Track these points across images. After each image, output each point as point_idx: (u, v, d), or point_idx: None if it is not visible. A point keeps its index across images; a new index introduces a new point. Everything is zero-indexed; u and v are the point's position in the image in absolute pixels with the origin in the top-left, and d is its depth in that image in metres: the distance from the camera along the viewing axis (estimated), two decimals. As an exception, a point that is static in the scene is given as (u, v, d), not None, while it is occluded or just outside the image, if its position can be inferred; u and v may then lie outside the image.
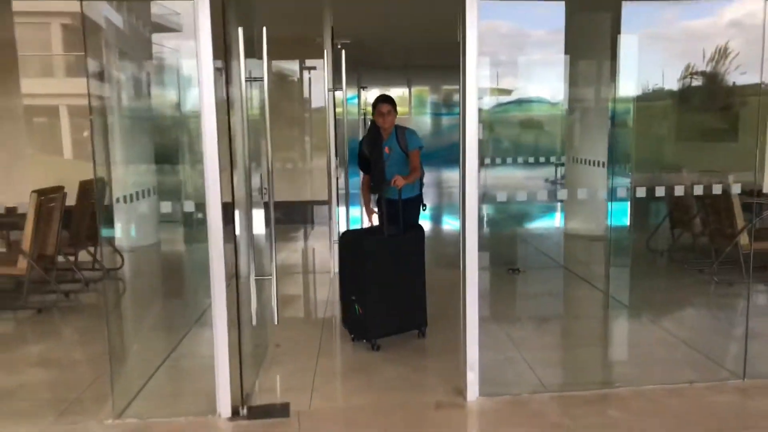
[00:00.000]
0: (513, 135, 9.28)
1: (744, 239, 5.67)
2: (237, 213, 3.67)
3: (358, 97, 11.19)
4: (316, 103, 9.85)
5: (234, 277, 3.47)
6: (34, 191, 5.24)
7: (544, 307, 5.63)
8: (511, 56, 8.21)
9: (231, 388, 3.32)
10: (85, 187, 6.02)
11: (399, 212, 4.45)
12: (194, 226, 4.18)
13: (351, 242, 4.56)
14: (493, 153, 7.77)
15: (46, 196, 5.37)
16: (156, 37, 6.91)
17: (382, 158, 4.71)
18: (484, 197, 4.77)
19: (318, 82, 9.46)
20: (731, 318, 5.10)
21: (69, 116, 14.36)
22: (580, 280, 6.41)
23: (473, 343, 3.45)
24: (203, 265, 3.28)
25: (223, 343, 3.31)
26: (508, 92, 9.14)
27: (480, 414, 3.36)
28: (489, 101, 8.40)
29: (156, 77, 6.97)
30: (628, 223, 6.58)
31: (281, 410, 3.39)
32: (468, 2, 3.25)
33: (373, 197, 4.98)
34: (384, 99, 4.75)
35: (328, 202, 6.53)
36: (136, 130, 6.11)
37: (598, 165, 7.48)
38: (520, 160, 8.36)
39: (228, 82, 3.44)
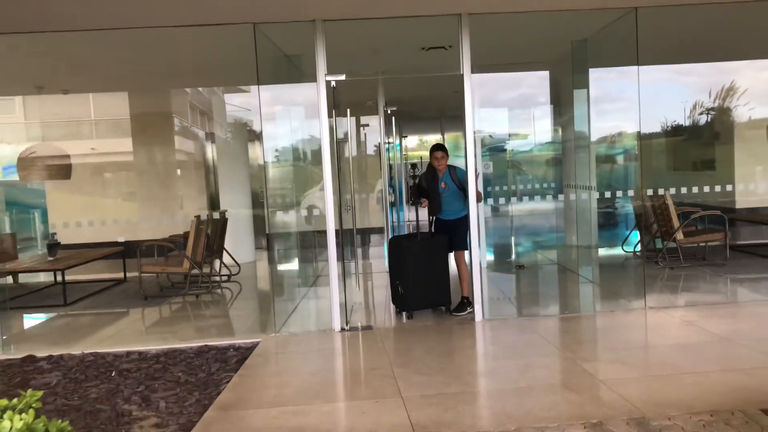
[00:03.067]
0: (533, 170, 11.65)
1: (679, 236, 8.07)
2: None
3: (400, 144, 13.90)
4: (369, 150, 12.55)
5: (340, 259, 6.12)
6: (195, 216, 7.99)
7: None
8: (521, 108, 10.75)
9: (339, 315, 5.90)
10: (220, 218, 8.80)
11: (451, 229, 6.32)
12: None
13: (396, 244, 6.43)
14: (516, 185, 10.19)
15: (199, 220, 8.11)
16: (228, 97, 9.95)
17: (439, 192, 6.31)
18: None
19: (370, 134, 12.16)
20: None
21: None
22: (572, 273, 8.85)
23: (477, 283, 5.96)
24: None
25: (335, 291, 5.91)
26: (525, 136, 11.58)
27: (483, 324, 5.87)
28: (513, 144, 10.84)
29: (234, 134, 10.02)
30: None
31: (367, 327, 5.95)
32: (466, 78, 5.83)
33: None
34: (438, 147, 6.38)
35: (383, 227, 9.18)
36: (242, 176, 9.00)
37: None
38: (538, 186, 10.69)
39: (336, 140, 6.10)
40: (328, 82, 5.81)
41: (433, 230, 6.51)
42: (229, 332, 6.50)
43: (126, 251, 9.23)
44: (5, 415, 1.91)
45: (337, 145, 6.12)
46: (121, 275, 9.30)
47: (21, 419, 1.92)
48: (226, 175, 10.55)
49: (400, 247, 6.25)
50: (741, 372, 4.25)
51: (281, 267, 9.18)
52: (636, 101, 6.32)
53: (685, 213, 8.36)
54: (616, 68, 8.47)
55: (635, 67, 6.25)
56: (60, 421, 1.98)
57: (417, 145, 18.36)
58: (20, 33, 5.64)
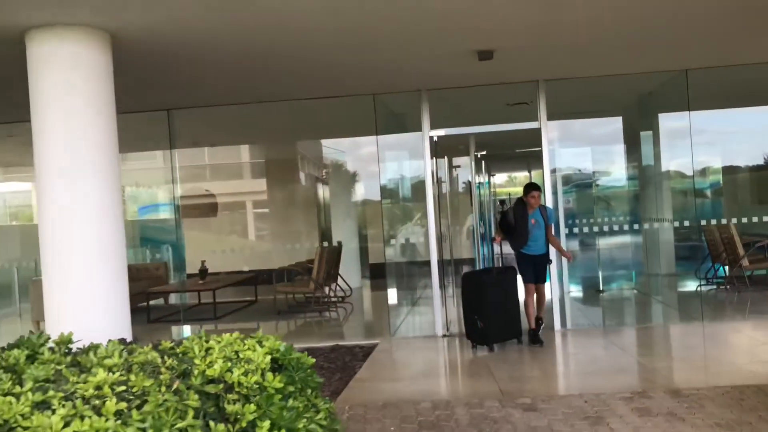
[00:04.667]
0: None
1: (745, 262, 8.97)
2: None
3: (489, 182, 15.25)
4: (460, 188, 14.01)
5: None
6: (319, 246, 9.67)
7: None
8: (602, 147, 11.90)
9: (441, 322, 7.31)
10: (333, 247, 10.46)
11: (536, 263, 6.61)
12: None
13: (473, 279, 6.69)
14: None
15: (323, 248, 9.78)
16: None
17: (527, 226, 6.60)
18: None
19: (461, 173, 13.61)
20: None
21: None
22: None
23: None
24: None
25: (438, 302, 7.34)
26: (608, 173, 12.68)
27: (561, 332, 7.11)
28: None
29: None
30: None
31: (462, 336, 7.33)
32: (543, 130, 7.19)
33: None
34: (535, 187, 6.70)
35: (474, 258, 10.53)
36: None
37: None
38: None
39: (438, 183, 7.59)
40: (431, 137, 7.35)
41: (517, 263, 6.76)
42: (353, 336, 8.02)
43: (255, 277, 11.05)
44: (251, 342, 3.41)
45: (438, 185, 7.60)
46: (253, 297, 11.10)
47: (268, 352, 3.42)
48: (337, 211, 12.29)
49: (479, 282, 6.54)
50: (753, 357, 5.32)
51: (389, 289, 10.69)
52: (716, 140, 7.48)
53: (752, 243, 9.24)
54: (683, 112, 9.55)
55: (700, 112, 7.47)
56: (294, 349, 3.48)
57: (505, 181, 19.65)
58: (197, 107, 7.53)
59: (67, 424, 2.26)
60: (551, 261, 6.81)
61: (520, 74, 6.97)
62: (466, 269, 12.60)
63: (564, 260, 7.42)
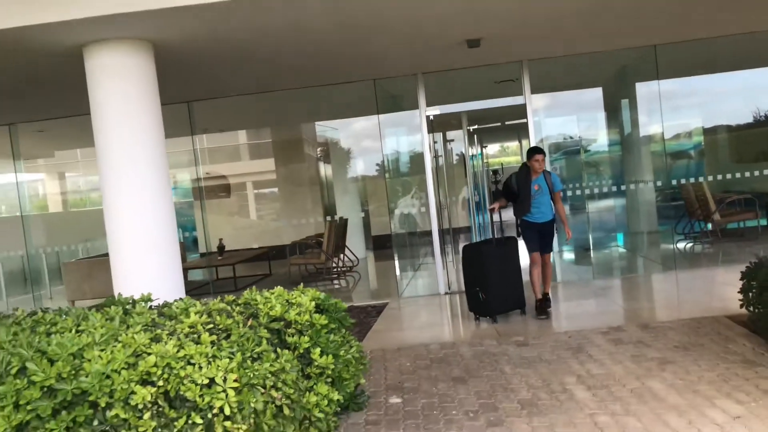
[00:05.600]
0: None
1: (716, 217, 9.83)
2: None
3: (482, 153, 16.03)
4: (454, 160, 14.78)
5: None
6: (328, 220, 10.50)
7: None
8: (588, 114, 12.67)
9: (443, 282, 8.17)
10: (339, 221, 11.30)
11: (540, 231, 6.42)
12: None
13: (473, 251, 6.55)
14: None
15: (332, 222, 10.60)
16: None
17: (530, 192, 6.38)
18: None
19: (454, 147, 14.36)
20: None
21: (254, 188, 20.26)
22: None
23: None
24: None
25: (440, 263, 8.20)
26: (594, 140, 13.48)
27: (557, 284, 7.97)
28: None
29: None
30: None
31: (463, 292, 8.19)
32: (528, 105, 7.97)
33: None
34: (538, 150, 6.47)
35: (470, 226, 11.35)
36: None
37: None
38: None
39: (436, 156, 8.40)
40: (427, 116, 8.13)
41: (519, 231, 6.58)
42: (365, 298, 8.84)
43: (267, 252, 11.88)
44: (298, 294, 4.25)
45: (436, 159, 8.40)
46: (267, 271, 11.94)
47: (312, 298, 4.27)
48: (339, 187, 13.10)
49: (479, 254, 6.42)
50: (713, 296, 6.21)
51: (394, 257, 11.56)
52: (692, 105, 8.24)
53: (724, 199, 10.10)
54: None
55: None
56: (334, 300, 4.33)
57: (498, 152, 20.41)
58: (216, 98, 8.29)
59: (178, 350, 3.11)
60: (557, 228, 6.60)
61: (505, 56, 7.73)
62: (462, 237, 13.46)
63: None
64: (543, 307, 6.40)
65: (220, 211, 13.48)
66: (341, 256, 11.30)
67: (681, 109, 11.82)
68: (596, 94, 11.50)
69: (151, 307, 4.07)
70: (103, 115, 4.97)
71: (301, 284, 4.36)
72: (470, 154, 11.12)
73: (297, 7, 4.93)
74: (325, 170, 14.52)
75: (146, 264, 5.04)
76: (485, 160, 15.97)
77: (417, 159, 9.30)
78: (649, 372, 4.44)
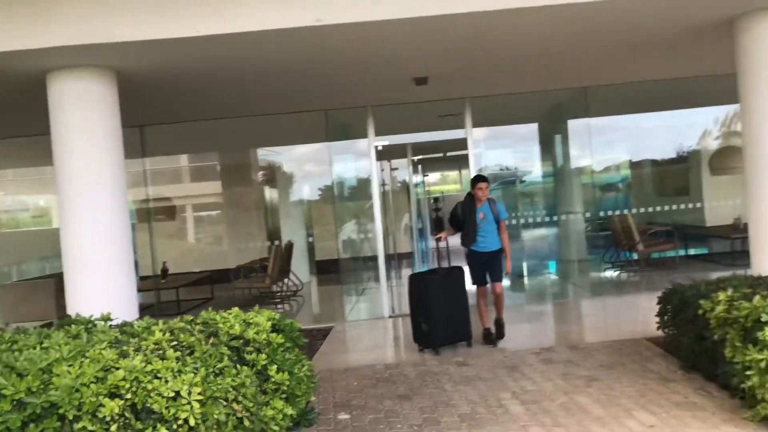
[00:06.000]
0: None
1: (640, 247, 10.54)
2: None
3: (423, 181, 16.54)
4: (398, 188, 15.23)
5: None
6: (272, 244, 10.68)
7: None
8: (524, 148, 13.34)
9: (388, 306, 8.48)
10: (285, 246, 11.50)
11: (486, 261, 6.41)
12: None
13: (418, 280, 6.48)
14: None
15: (277, 246, 10.78)
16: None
17: (476, 221, 6.38)
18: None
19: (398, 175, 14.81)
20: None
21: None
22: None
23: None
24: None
25: (384, 288, 8.51)
26: (530, 172, 14.14)
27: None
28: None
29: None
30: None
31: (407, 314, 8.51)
32: (468, 138, 8.46)
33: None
34: (483, 179, 6.48)
35: (411, 252, 11.75)
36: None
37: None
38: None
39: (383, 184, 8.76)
40: (376, 146, 8.53)
41: (467, 262, 6.57)
42: (310, 321, 9.05)
43: (211, 276, 11.93)
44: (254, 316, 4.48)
45: (383, 187, 8.76)
46: (209, 295, 11.97)
47: (268, 319, 4.51)
48: (285, 212, 13.30)
49: (424, 284, 6.33)
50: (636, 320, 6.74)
51: (338, 281, 11.79)
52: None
53: (647, 230, 10.84)
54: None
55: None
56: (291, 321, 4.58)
57: (438, 179, 21.02)
58: (173, 123, 8.45)
59: (146, 365, 3.30)
60: (504, 257, 6.51)
61: (450, 93, 8.20)
62: (405, 263, 13.83)
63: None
64: (491, 336, 6.42)
65: (163, 233, 13.42)
66: (285, 280, 11.48)
67: (609, 144, 12.65)
68: (532, 128, 12.18)
69: (111, 326, 4.22)
70: (65, 139, 5.10)
71: (257, 306, 4.58)
72: (414, 182, 11.55)
73: (257, 47, 5.23)
74: (271, 194, 14.68)
75: (103, 284, 5.16)
76: (426, 188, 16.51)
77: (363, 186, 9.66)
78: (576, 388, 4.86)
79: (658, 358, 5.44)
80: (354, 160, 11.14)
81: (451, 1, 4.68)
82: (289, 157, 14.09)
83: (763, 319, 3.87)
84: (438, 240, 6.67)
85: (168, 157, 13.14)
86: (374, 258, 8.84)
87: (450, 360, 5.98)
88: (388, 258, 9.36)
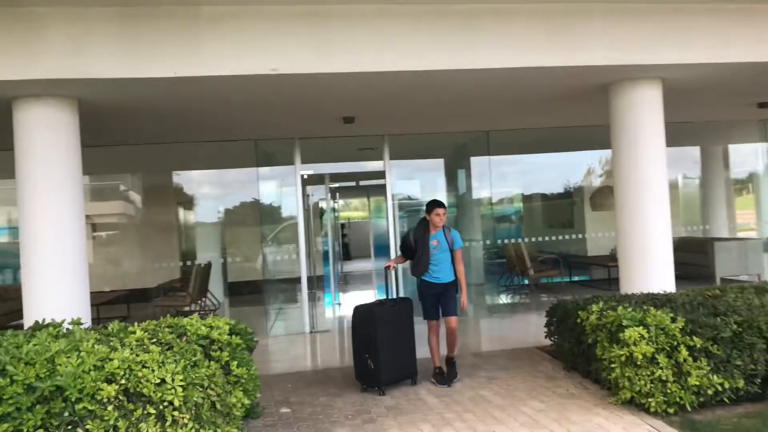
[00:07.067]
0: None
1: (531, 272, 11.87)
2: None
3: (333, 208, 17.41)
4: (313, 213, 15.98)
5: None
6: (196, 264, 11.13)
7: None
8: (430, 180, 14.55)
9: (307, 322, 9.21)
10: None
11: (440, 293, 5.97)
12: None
13: (363, 313, 5.83)
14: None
15: (198, 266, 11.23)
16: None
17: (429, 248, 5.92)
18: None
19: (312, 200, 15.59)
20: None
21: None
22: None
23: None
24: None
25: (306, 305, 9.23)
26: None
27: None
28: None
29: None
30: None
31: (326, 330, 9.26)
32: (387, 171, 9.43)
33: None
34: (440, 204, 5.98)
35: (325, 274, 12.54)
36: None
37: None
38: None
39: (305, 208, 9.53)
40: (302, 175, 9.31)
41: (418, 294, 6.15)
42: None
43: (127, 295, 12.17)
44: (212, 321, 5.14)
45: (306, 212, 9.54)
46: (125, 313, 12.17)
47: (226, 323, 5.18)
48: (203, 233, 13.72)
49: (370, 316, 5.77)
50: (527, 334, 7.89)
51: (260, 301, 12.33)
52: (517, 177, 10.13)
53: (537, 257, 12.21)
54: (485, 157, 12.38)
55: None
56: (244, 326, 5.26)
57: (342, 206, 21.95)
58: (103, 146, 8.84)
59: (136, 356, 3.92)
60: (459, 289, 6.08)
61: (372, 131, 9.16)
62: (321, 283, 14.53)
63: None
64: (443, 375, 5.99)
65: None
66: (203, 299, 11.91)
67: (505, 179, 14.07)
68: (439, 163, 13.38)
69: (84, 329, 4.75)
70: (29, 161, 5.54)
71: (212, 313, 5.22)
72: (331, 208, 12.38)
73: (217, 87, 5.90)
74: (186, 216, 15.02)
75: (62, 294, 5.63)
76: (337, 214, 17.38)
77: (286, 209, 10.38)
78: (480, 385, 5.84)
79: (546, 362, 6.54)
80: (278, 186, 11.85)
81: (384, 61, 5.61)
82: (213, 180, 14.55)
83: (624, 324, 5.00)
84: (387, 269, 6.18)
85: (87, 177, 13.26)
86: (291, 279, 9.55)
87: (371, 366, 6.82)
88: (310, 279, 10.10)
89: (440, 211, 5.99)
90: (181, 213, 15.15)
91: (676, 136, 6.77)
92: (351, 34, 5.55)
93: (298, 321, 9.46)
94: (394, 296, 6.16)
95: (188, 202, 15.05)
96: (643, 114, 6.54)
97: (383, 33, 5.58)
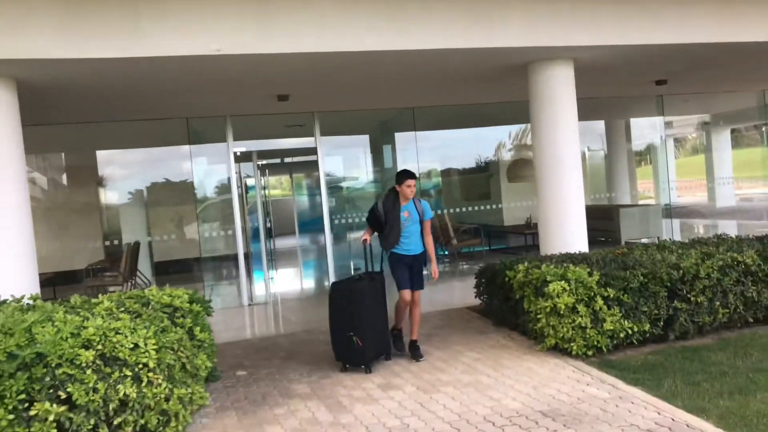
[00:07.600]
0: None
1: (454, 242, 12.55)
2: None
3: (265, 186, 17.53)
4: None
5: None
6: (127, 244, 11.09)
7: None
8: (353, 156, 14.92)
9: (246, 296, 9.48)
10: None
11: (411, 264, 5.81)
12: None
13: (343, 289, 5.60)
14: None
15: (130, 246, 11.20)
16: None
17: (400, 220, 5.72)
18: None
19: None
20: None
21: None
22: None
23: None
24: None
25: (244, 278, 9.49)
26: (357, 178, 15.76)
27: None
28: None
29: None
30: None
31: (263, 303, 9.57)
32: (318, 146, 9.77)
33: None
34: (411, 175, 5.75)
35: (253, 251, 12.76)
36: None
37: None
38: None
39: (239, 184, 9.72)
40: (234, 152, 9.50)
41: (391, 266, 5.89)
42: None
43: (53, 278, 11.95)
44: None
45: (241, 189, 9.74)
46: (52, 296, 11.95)
47: (184, 293, 5.43)
48: (129, 213, 13.59)
49: (351, 293, 5.55)
50: (456, 297, 8.51)
51: (189, 279, 12.39)
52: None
53: (459, 228, 12.91)
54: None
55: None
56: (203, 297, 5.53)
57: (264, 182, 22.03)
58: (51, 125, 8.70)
59: (109, 324, 4.16)
60: (428, 260, 5.97)
61: (303, 108, 9.45)
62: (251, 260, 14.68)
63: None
64: (400, 336, 6.00)
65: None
66: (134, 279, 11.88)
67: (430, 153, 14.67)
68: (364, 139, 13.79)
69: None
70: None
71: (167, 285, 5.46)
72: (262, 185, 12.57)
73: (159, 68, 6.06)
74: (110, 196, 14.74)
75: (9, 271, 5.69)
76: (266, 191, 17.51)
77: (220, 187, 10.49)
78: (421, 341, 6.35)
79: (476, 320, 7.16)
80: (207, 163, 11.92)
81: (325, 43, 5.95)
82: (142, 159, 14.33)
83: (548, 279, 5.63)
84: (364, 242, 5.91)
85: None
86: (227, 256, 9.76)
87: (318, 329, 7.22)
88: (245, 255, 10.34)
89: (411, 182, 5.75)
90: (104, 192, 14.87)
91: (583, 110, 7.47)
92: (293, 16, 5.84)
93: (235, 296, 9.70)
94: (372, 270, 5.90)
95: (113, 181, 14.78)
96: (560, 90, 7.20)
97: (324, 16, 5.90)
